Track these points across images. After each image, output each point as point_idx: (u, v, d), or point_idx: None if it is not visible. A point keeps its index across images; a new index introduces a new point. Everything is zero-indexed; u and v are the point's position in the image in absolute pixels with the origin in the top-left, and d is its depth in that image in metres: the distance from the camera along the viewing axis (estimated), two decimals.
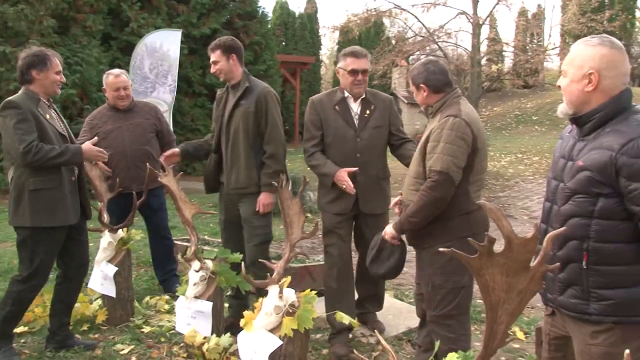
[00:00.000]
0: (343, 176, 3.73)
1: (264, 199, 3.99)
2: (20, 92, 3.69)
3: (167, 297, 4.76)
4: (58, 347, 3.88)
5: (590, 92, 2.14)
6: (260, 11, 16.50)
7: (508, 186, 13.01)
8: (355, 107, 3.90)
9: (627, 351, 1.45)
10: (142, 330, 4.24)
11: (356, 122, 3.87)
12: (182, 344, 3.86)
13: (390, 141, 3.99)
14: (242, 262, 3.44)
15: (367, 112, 3.88)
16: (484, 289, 1.85)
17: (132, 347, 3.98)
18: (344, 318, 3.36)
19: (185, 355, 3.74)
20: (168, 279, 5.05)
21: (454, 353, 2.15)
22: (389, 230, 3.19)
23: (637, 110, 2.14)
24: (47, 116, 3.68)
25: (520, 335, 4.24)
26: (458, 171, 2.92)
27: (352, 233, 4.09)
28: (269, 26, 18.11)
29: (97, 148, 3.80)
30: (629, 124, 2.07)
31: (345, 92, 3.90)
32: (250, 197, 4.03)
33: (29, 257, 3.63)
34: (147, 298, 4.77)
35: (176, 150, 4.26)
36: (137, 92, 7.70)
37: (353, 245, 4.14)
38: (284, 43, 23.02)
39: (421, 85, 3.12)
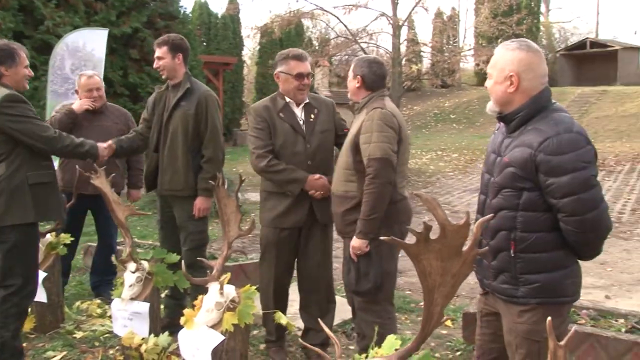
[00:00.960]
0: (317, 183, 3.58)
1: (200, 204, 3.98)
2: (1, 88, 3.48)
3: (98, 301, 4.67)
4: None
5: (512, 92, 2.32)
6: (182, 11, 16.26)
7: (430, 182, 13.49)
8: (299, 112, 3.72)
9: (549, 319, 1.63)
10: (75, 335, 4.15)
11: (303, 127, 3.68)
12: (117, 347, 3.82)
13: (339, 142, 3.77)
14: (182, 261, 3.45)
15: (312, 116, 3.71)
16: (422, 274, 1.98)
17: (64, 353, 3.90)
18: (282, 319, 3.43)
19: (122, 357, 3.69)
20: (101, 285, 4.96)
21: (392, 336, 2.27)
22: (356, 244, 3.20)
23: (555, 108, 2.34)
24: None
25: (447, 322, 4.47)
26: (394, 155, 3.14)
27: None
28: (190, 27, 17.86)
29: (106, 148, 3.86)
30: (547, 122, 2.26)
31: (287, 97, 3.71)
32: (184, 200, 4.00)
33: (21, 264, 3.45)
34: (78, 303, 4.66)
35: (112, 144, 4.01)
36: (58, 93, 7.43)
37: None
38: (205, 44, 22.74)
39: (358, 76, 3.35)
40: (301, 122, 3.70)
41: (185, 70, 4.06)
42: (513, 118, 2.35)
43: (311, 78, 3.72)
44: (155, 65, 4.04)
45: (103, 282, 4.97)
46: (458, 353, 3.99)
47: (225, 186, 3.46)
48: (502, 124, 2.47)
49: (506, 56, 2.34)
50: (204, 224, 4.09)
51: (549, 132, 2.22)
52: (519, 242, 2.31)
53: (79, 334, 4.16)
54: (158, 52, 3.99)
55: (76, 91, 4.92)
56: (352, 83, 3.41)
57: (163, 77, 4.07)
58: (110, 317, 4.22)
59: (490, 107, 2.44)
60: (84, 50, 7.68)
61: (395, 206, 3.27)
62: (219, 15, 23.45)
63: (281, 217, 3.68)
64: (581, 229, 2.22)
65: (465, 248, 1.96)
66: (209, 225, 4.20)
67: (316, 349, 2.38)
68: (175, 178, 3.98)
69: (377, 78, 3.35)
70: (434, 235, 1.91)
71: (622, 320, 3.75)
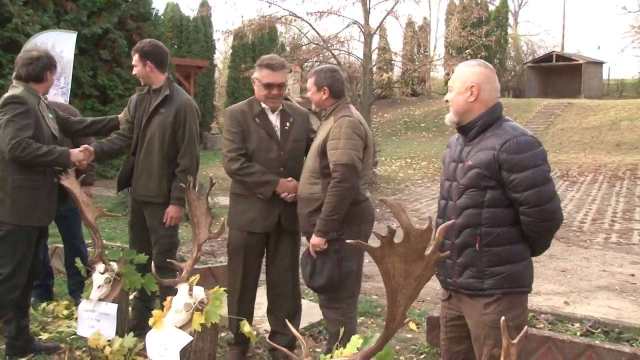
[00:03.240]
0: (288, 185, 3.64)
1: (172, 212, 3.95)
2: (21, 88, 3.59)
3: (65, 302, 4.64)
4: (20, 353, 3.76)
5: (472, 102, 2.61)
6: (154, 13, 16.15)
7: (399, 189, 13.65)
8: (274, 119, 3.76)
9: (502, 318, 1.74)
10: (40, 337, 4.10)
11: (278, 134, 3.73)
12: (84, 348, 3.81)
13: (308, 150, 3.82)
14: (152, 263, 3.47)
15: (287, 124, 3.76)
16: (385, 276, 2.07)
17: (30, 355, 3.86)
18: (245, 327, 3.46)
19: (89, 358, 3.69)
20: (77, 289, 4.91)
21: (356, 336, 2.35)
22: (315, 242, 3.34)
23: (506, 119, 2.64)
24: (46, 116, 3.65)
25: (412, 326, 4.56)
26: (360, 162, 3.32)
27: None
28: (162, 29, 17.73)
29: (82, 151, 3.78)
30: (504, 129, 2.57)
31: (262, 103, 3.74)
32: (156, 206, 3.97)
33: (11, 253, 3.49)
34: (44, 304, 4.62)
35: (90, 148, 3.88)
36: None
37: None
38: (176, 46, 22.59)
39: (324, 87, 3.49)
40: (277, 129, 3.75)
41: (164, 75, 4.02)
42: (472, 126, 2.62)
43: (284, 88, 3.75)
44: (133, 72, 4.06)
45: (77, 285, 4.92)
46: (422, 356, 4.09)
47: (196, 189, 3.51)
48: (459, 135, 2.73)
49: (467, 71, 2.65)
50: (174, 228, 4.08)
51: (507, 135, 2.51)
52: (484, 236, 2.54)
53: (44, 336, 4.12)
54: (133, 60, 4.00)
55: None
56: (319, 95, 3.53)
57: (142, 84, 4.07)
58: (77, 318, 4.21)
59: (450, 117, 2.70)
60: (53, 51, 7.48)
61: (359, 207, 3.44)
62: (191, 18, 23.31)
63: (252, 222, 3.71)
64: (541, 219, 2.49)
65: (427, 252, 2.05)
66: (178, 228, 4.21)
67: (284, 349, 2.44)
68: (149, 184, 3.95)
69: (341, 85, 3.56)
70: (397, 239, 2.00)
71: (577, 325, 3.92)
